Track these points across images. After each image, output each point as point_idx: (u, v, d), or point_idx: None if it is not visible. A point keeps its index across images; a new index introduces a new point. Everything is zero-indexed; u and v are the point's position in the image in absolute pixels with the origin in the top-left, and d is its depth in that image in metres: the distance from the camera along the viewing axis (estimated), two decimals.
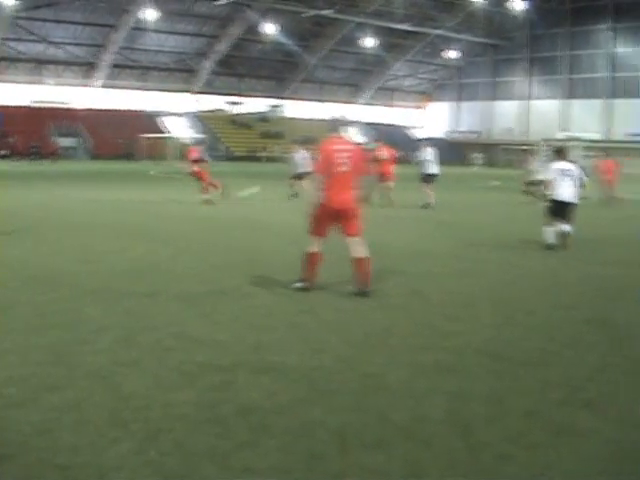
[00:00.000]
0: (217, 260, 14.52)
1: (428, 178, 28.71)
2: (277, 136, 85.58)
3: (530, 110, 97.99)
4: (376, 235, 18.01)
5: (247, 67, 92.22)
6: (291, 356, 7.97)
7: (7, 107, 74.79)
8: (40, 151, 66.75)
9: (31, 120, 73.71)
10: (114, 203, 26.80)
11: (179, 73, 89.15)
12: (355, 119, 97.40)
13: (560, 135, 72.49)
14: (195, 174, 27.66)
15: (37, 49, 77.98)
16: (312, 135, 35.36)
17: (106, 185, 37.50)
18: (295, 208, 22.97)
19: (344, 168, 11.23)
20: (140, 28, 78.47)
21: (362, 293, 11.26)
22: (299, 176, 29.01)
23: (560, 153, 18.49)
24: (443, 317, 10.06)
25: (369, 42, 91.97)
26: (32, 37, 76.23)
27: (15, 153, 66.36)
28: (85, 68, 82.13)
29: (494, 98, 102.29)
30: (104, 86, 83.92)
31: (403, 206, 27.28)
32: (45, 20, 75.02)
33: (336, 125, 12.10)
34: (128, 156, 71.76)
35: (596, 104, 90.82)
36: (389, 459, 5.53)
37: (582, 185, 18.12)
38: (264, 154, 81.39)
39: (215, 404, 6.52)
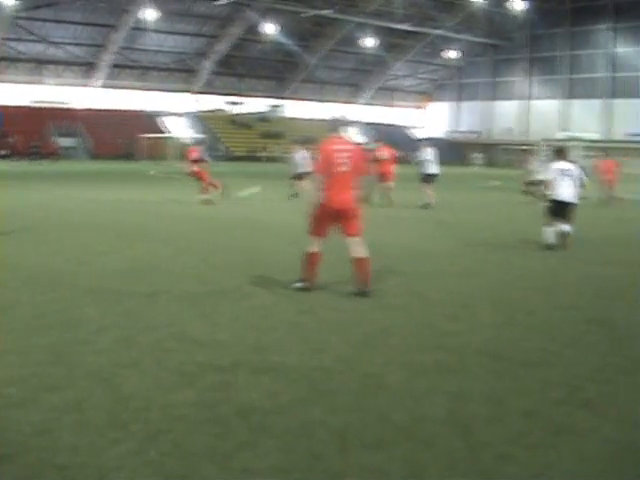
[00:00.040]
0: (217, 260, 14.52)
1: (428, 178, 28.72)
2: (277, 136, 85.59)
3: (530, 110, 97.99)
4: (376, 235, 18.02)
5: (247, 67, 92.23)
6: (291, 356, 7.98)
7: (7, 107, 74.73)
8: (40, 151, 66.71)
9: (31, 120, 73.65)
10: (114, 203, 26.79)
11: (179, 73, 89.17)
12: (355, 119, 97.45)
13: (560, 135, 72.50)
14: (195, 174, 27.66)
15: (37, 49, 77.94)
16: (312, 135, 35.38)
17: (106, 185, 37.48)
18: (295, 208, 22.95)
19: (344, 168, 11.23)
20: (140, 28, 78.45)
21: (362, 293, 11.26)
22: (299, 176, 28.97)
23: (560, 153, 18.51)
24: (443, 317, 10.06)
25: (369, 42, 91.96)
26: (32, 37, 76.19)
27: (15, 153, 66.32)
28: (85, 68, 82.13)
29: (494, 98, 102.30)
30: (104, 86, 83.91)
31: (403, 206, 27.25)
32: (45, 20, 74.97)
33: (336, 125, 12.10)
34: (128, 156, 71.74)
35: (596, 104, 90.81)
36: (389, 459, 5.53)
37: (582, 185, 18.12)
38: (264, 154, 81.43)
39: (215, 404, 6.52)
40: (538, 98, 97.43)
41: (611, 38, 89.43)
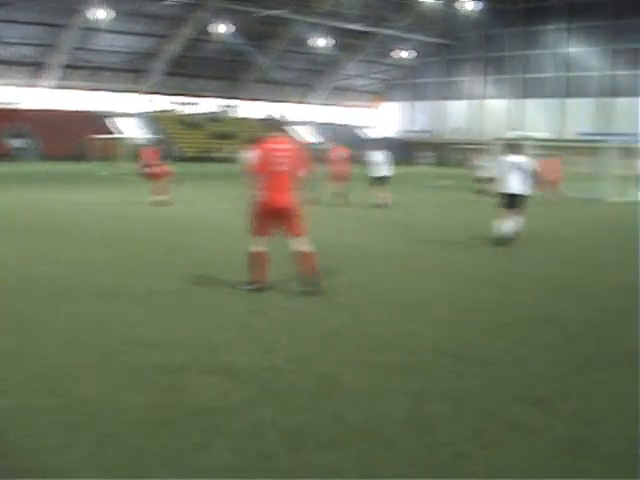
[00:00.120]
0: (168, 261, 14.45)
1: (377, 181, 28.75)
2: (229, 136, 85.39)
3: (484, 109, 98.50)
4: (330, 235, 18.06)
5: (199, 67, 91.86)
6: (242, 356, 7.93)
7: None
8: None
9: None
10: (63, 204, 26.54)
11: (131, 73, 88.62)
12: (306, 119, 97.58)
13: (510, 134, 72.95)
14: (151, 175, 27.51)
15: None
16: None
17: (55, 187, 37.03)
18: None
19: (283, 167, 11.22)
20: (92, 28, 77.81)
21: (312, 286, 11.27)
22: None
23: (512, 147, 18.75)
24: (397, 316, 10.07)
25: (322, 42, 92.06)
26: None
27: None
28: (33, 68, 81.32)
29: (448, 98, 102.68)
30: (56, 87, 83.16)
31: (359, 206, 27.34)
32: None
33: (273, 125, 12.08)
34: (79, 157, 71.19)
35: (549, 103, 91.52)
36: (343, 458, 5.50)
37: (534, 178, 18.42)
38: (216, 154, 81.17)
39: (166, 406, 6.47)
40: (491, 97, 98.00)
41: (564, 38, 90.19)
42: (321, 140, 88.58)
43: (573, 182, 35.25)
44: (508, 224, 17.77)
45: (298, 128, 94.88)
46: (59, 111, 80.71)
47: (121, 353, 7.99)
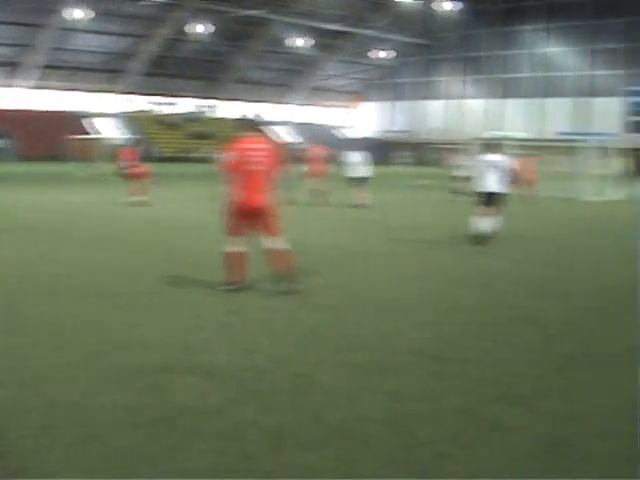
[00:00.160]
0: (147, 261, 14.41)
1: (354, 181, 28.82)
2: (208, 136, 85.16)
3: (463, 109, 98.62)
4: (307, 235, 18.05)
5: (178, 67, 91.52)
6: (221, 357, 7.92)
7: None
8: None
9: None
10: (42, 205, 26.42)
11: (109, 73, 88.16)
12: (285, 119, 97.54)
13: (487, 134, 73.14)
14: (131, 175, 27.43)
15: None
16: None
17: (33, 187, 36.89)
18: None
19: (258, 167, 11.22)
20: (69, 28, 77.35)
21: (289, 283, 11.29)
22: None
23: (490, 146, 18.83)
24: (375, 316, 10.08)
25: (301, 42, 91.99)
26: None
27: None
28: (10, 68, 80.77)
29: (427, 98, 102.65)
30: (34, 87, 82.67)
31: (338, 206, 27.37)
32: None
33: (248, 124, 12.07)
34: (57, 157, 70.78)
35: (528, 103, 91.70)
36: (323, 458, 5.51)
37: (512, 177, 18.54)
38: (194, 154, 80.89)
39: (146, 407, 6.45)
40: (470, 97, 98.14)
41: (543, 38, 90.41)
42: (299, 140, 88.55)
43: (550, 181, 35.35)
44: (486, 222, 17.86)
45: (276, 128, 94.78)
46: (37, 111, 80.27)
47: (100, 354, 7.96)
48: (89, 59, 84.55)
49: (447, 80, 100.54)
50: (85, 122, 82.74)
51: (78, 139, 68.11)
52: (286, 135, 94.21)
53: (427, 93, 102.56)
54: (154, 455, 5.53)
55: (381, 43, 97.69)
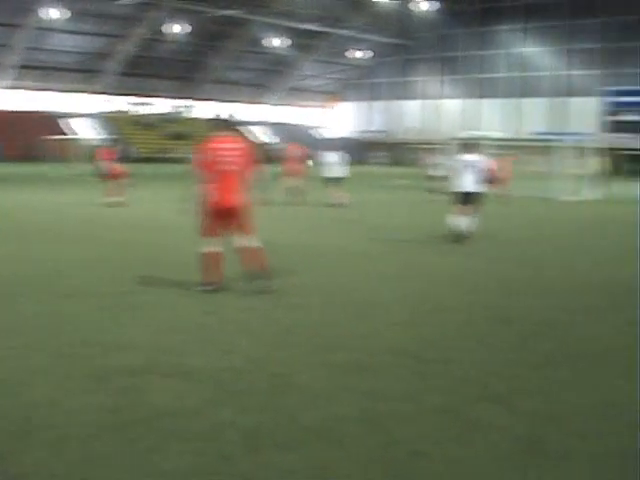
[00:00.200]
0: (123, 262, 14.36)
1: (331, 181, 28.91)
2: (185, 137, 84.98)
3: (440, 109, 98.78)
4: (285, 234, 18.06)
5: (155, 67, 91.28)
6: (198, 358, 7.90)
7: None
8: None
9: None
10: (17, 204, 26.29)
11: (86, 73, 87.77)
12: (262, 119, 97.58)
13: (464, 134, 73.34)
14: (109, 175, 27.33)
15: None
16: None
17: (8, 188, 36.73)
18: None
19: (231, 167, 11.20)
20: (45, 28, 77.05)
21: (263, 281, 11.29)
22: None
23: (467, 146, 18.93)
24: (353, 316, 10.08)
25: (277, 42, 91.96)
26: None
27: None
28: None
29: (404, 97, 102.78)
30: (10, 87, 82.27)
31: (315, 205, 27.39)
32: None
33: (222, 124, 12.05)
34: (33, 158, 70.48)
35: (504, 103, 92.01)
36: (300, 459, 5.50)
37: (488, 176, 18.64)
38: (171, 155, 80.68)
39: (123, 408, 6.42)
40: (447, 97, 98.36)
41: (520, 38, 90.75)
42: (276, 140, 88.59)
43: (527, 181, 35.51)
44: (462, 221, 17.95)
45: (253, 128, 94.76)
46: (15, 112, 79.84)
47: (75, 356, 7.93)
48: (65, 59, 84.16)
49: (424, 80, 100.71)
50: (62, 122, 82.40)
51: (55, 139, 67.85)
52: (263, 135, 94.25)
53: (404, 93, 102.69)
54: (132, 456, 5.50)
55: (358, 43, 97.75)
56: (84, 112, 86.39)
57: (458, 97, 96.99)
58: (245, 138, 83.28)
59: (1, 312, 9.89)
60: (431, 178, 34.24)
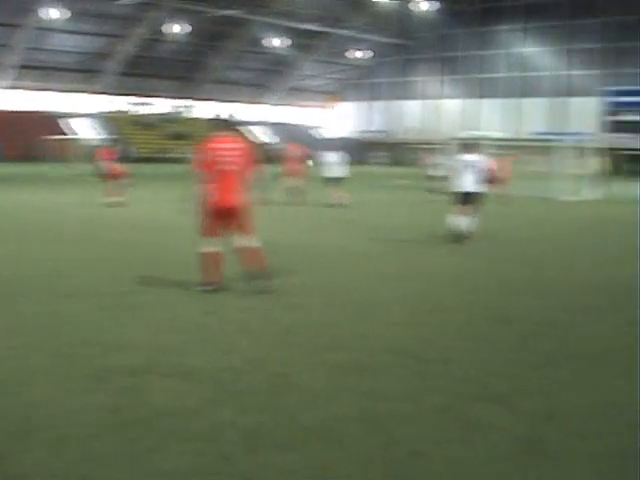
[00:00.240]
0: (123, 262, 14.35)
1: (331, 181, 28.96)
2: (185, 137, 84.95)
3: (441, 109, 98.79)
4: (285, 234, 18.06)
5: (155, 68, 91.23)
6: (199, 358, 7.90)
7: None
8: None
9: None
10: (17, 203, 26.28)
11: (86, 74, 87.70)
12: (262, 119, 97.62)
13: (464, 134, 73.33)
14: (109, 175, 27.32)
15: None
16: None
17: (8, 188, 36.72)
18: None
19: (231, 167, 11.21)
20: (45, 28, 76.98)
21: (263, 281, 11.31)
22: None
23: (467, 146, 18.96)
24: (354, 316, 10.08)
25: (278, 42, 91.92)
26: None
27: None
28: None
29: (404, 98, 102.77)
30: (10, 87, 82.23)
31: (316, 205, 27.40)
32: None
33: (221, 124, 12.04)
34: (34, 158, 70.46)
35: (504, 103, 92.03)
36: (300, 459, 5.50)
37: (488, 176, 18.66)
38: (171, 155, 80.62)
39: (123, 408, 6.42)
40: (447, 97, 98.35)
41: (520, 38, 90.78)
42: (276, 140, 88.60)
43: (527, 181, 35.52)
44: (463, 221, 17.97)
45: (253, 128, 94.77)
46: (16, 112, 79.80)
47: (75, 356, 7.93)
48: (65, 59, 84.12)
49: (424, 80, 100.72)
50: (62, 122, 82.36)
51: (55, 139, 67.83)
52: (263, 135, 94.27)
53: (404, 93, 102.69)
54: (132, 456, 5.50)
55: (358, 43, 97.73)
56: (84, 112, 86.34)
57: (458, 97, 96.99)
58: (245, 138, 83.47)
59: (1, 312, 9.89)
60: (431, 178, 34.29)
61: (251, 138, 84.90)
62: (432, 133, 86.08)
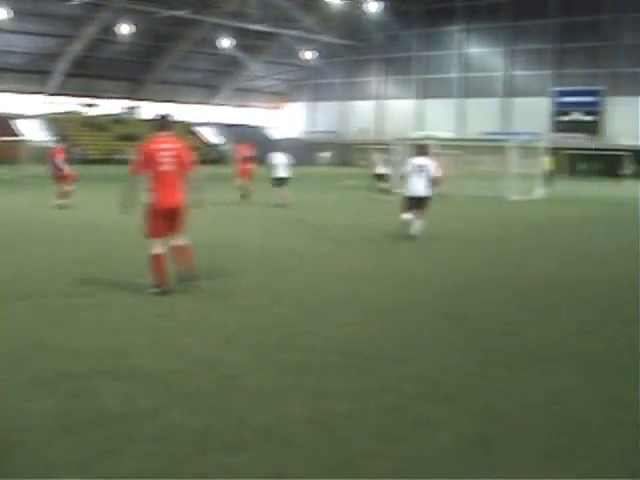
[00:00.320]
0: (71, 265, 14.24)
1: (276, 182, 29.17)
2: (134, 138, 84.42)
3: (386, 110, 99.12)
4: (232, 235, 18.03)
5: (103, 68, 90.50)
6: (149, 360, 7.89)
7: None
8: None
9: None
10: None
11: (33, 74, 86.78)
12: (211, 120, 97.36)
13: (415, 134, 73.65)
14: (61, 177, 27.12)
15: None
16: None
17: None
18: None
19: (170, 167, 11.24)
20: None
21: (190, 278, 11.56)
22: None
23: (418, 149, 19.13)
24: (301, 317, 10.11)
25: (226, 43, 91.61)
26: None
27: None
28: None
29: (351, 98, 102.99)
30: None
31: (263, 205, 27.45)
32: None
33: (160, 124, 12.05)
34: None
35: (450, 104, 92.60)
36: (250, 460, 5.52)
37: (435, 178, 18.78)
38: (120, 156, 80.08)
39: (72, 412, 6.40)
40: (395, 98, 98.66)
41: (464, 39, 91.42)
42: (225, 141, 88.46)
43: (477, 181, 35.77)
44: (412, 220, 18.15)
45: (202, 129, 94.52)
46: None
47: (26, 359, 7.88)
48: (13, 60, 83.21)
49: (372, 80, 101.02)
50: (10, 124, 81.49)
51: (5, 141, 67.14)
52: (212, 136, 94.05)
53: (353, 94, 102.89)
54: (83, 460, 5.49)
55: (306, 44, 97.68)
56: (32, 113, 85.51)
57: (406, 97, 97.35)
58: (190, 137, 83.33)
59: None
60: (379, 177, 34.54)
61: (200, 139, 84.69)
62: (380, 133, 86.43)
